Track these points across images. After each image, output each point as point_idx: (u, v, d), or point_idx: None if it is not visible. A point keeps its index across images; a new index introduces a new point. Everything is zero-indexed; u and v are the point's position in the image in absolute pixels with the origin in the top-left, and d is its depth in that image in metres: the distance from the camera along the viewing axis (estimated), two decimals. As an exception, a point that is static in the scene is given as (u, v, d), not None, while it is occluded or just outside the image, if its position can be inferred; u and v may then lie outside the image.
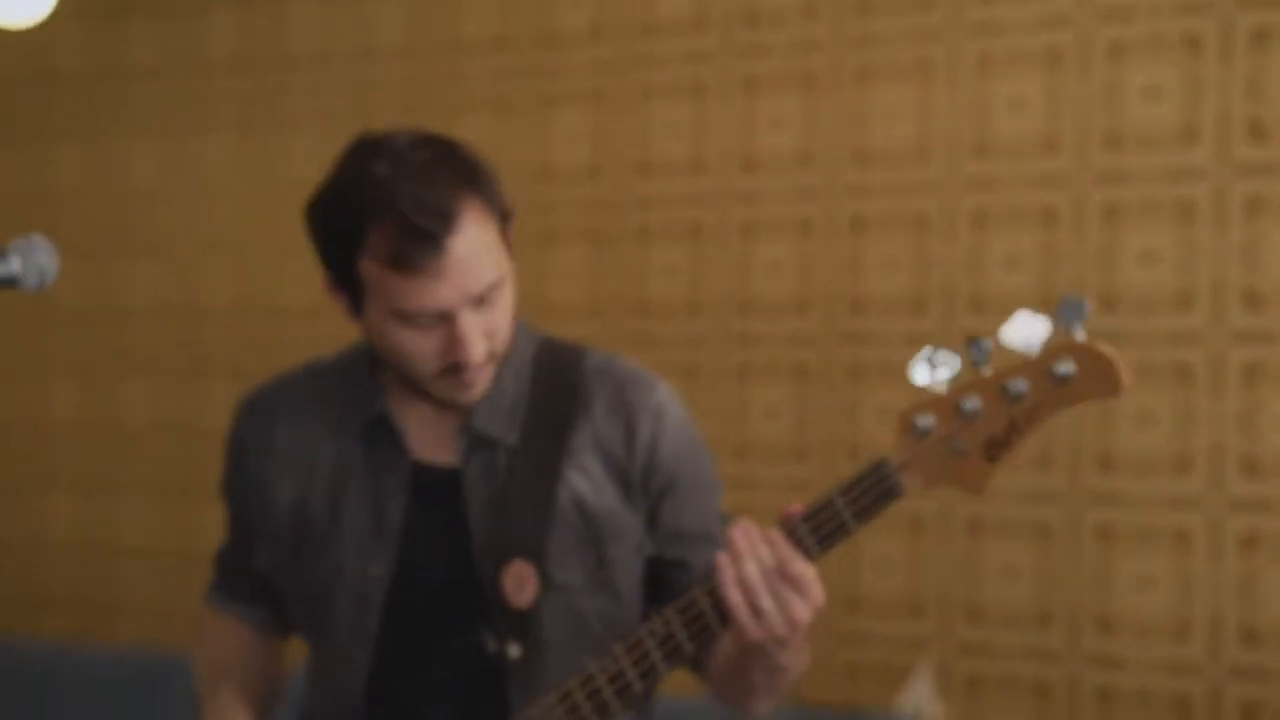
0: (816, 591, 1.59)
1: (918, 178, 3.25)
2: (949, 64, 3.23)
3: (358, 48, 3.85)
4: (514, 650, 1.74)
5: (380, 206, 1.65)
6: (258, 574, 1.93)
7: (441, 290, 1.66)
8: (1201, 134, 3.00)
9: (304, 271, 3.63)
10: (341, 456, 1.82)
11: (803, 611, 1.59)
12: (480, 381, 1.75)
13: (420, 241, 1.63)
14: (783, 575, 1.58)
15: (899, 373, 3.24)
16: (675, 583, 1.83)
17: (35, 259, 1.50)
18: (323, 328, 3.94)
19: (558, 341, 1.89)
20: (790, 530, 1.60)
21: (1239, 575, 2.96)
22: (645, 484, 1.81)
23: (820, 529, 1.59)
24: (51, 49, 4.24)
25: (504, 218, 1.74)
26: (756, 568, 1.58)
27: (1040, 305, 3.12)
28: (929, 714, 3.19)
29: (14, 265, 1.48)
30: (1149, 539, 3.04)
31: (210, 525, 3.88)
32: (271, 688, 1.97)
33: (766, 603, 1.58)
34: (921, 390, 1.56)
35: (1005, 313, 1.84)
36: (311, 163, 3.15)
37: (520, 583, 1.74)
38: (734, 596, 1.58)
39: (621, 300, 3.53)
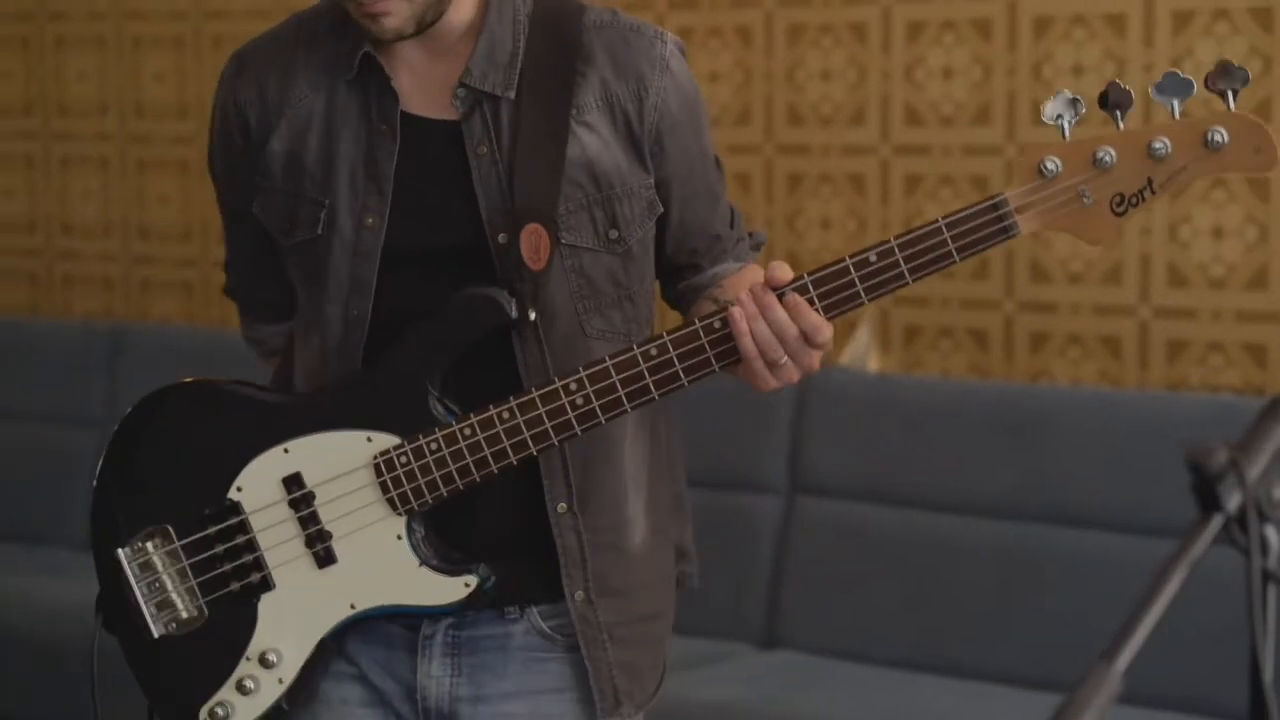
0: (830, 341, 1.62)
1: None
2: None
3: None
4: (533, 314, 1.67)
5: None
6: (267, 282, 1.85)
7: None
8: None
9: None
10: (331, 104, 1.73)
11: (815, 362, 1.62)
12: (385, 15, 1.62)
13: None
14: (807, 340, 1.59)
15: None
16: (682, 281, 1.82)
17: None
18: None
19: None
20: (865, 261, 1.59)
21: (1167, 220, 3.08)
22: (656, 143, 1.73)
23: (920, 256, 1.57)
24: None
25: None
26: (773, 331, 1.58)
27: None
28: (870, 364, 3.32)
29: None
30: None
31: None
32: None
33: (783, 358, 1.60)
34: (1050, 132, 1.51)
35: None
36: None
37: (536, 245, 1.67)
38: (750, 349, 1.59)
39: None
